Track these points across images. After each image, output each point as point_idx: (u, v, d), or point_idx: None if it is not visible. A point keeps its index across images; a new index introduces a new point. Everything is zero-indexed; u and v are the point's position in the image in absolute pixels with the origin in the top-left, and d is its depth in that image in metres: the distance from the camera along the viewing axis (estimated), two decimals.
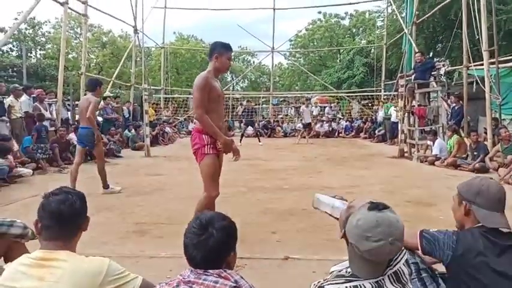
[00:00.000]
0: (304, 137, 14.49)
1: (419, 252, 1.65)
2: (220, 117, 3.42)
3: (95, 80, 6.16)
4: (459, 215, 1.70)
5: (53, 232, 1.50)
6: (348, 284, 1.34)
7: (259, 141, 13.71)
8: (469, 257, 1.51)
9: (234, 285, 1.32)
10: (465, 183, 1.71)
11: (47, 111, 9.15)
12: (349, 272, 1.40)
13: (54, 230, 1.50)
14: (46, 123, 8.82)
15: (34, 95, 9.18)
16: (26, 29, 26.70)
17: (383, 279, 1.35)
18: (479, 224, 1.59)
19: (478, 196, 1.61)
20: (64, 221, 1.50)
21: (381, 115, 14.86)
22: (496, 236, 1.54)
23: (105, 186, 5.73)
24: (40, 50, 28.40)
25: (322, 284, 1.37)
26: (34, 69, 25.29)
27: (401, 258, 1.43)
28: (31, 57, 27.46)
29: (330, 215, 1.90)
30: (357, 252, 1.35)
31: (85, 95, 6.71)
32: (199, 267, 1.35)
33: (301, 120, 15.35)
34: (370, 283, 1.33)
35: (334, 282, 1.36)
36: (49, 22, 28.09)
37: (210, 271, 1.33)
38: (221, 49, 3.29)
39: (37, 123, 8.34)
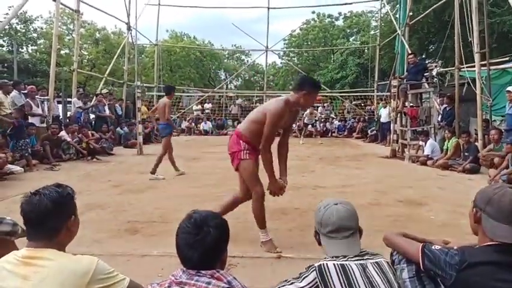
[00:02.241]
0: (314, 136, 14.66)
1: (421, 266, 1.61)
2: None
3: (170, 86, 7.67)
4: (471, 222, 1.61)
5: (30, 233, 1.50)
6: (334, 262, 1.43)
7: None
8: (476, 277, 1.42)
9: (227, 286, 1.30)
10: (481, 190, 1.59)
11: (38, 107, 9.02)
12: (328, 257, 1.51)
13: (30, 230, 1.50)
14: (36, 119, 8.69)
15: (25, 91, 9.05)
16: (17, 23, 26.33)
17: (366, 264, 1.46)
18: (490, 243, 1.49)
19: (488, 204, 1.50)
20: (34, 223, 1.48)
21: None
22: (507, 252, 1.44)
23: (154, 171, 6.68)
24: (32, 45, 28.03)
25: (312, 264, 1.45)
26: (25, 65, 24.97)
27: (381, 257, 1.55)
28: (22, 52, 27.08)
29: None
30: (323, 235, 1.58)
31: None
32: (194, 268, 1.33)
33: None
34: (355, 265, 1.43)
35: (322, 260, 1.46)
36: (41, 17, 27.79)
37: (203, 272, 1.31)
38: (312, 88, 3.24)
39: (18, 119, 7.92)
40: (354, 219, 1.58)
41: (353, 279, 1.38)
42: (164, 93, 7.35)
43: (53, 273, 1.37)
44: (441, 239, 1.96)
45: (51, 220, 1.47)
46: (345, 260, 1.44)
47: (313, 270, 1.41)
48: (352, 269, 1.41)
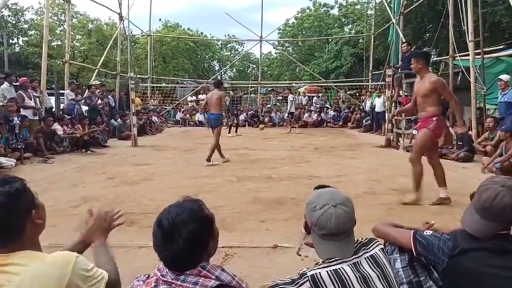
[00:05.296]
0: (294, 127, 14.78)
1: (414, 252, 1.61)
2: None
3: (220, 80, 8.74)
4: None
5: None
6: (328, 269, 1.36)
7: (236, 132, 13.74)
8: (467, 263, 1.46)
9: (216, 283, 1.24)
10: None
11: (31, 99, 8.90)
12: (325, 260, 1.42)
13: None
14: (28, 112, 8.58)
15: (17, 83, 8.91)
16: (8, 16, 25.86)
17: (360, 262, 1.40)
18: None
19: (476, 193, 1.55)
20: None
21: (368, 105, 15.00)
22: (499, 239, 1.47)
23: (209, 159, 7.18)
24: (22, 36, 27.57)
25: (304, 271, 1.39)
26: (16, 57, 24.60)
27: (376, 245, 1.50)
28: (14, 44, 26.62)
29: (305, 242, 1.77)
30: (317, 234, 1.45)
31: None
32: (175, 270, 1.27)
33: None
34: (349, 266, 1.37)
35: (315, 268, 1.39)
36: (32, 8, 27.31)
37: (188, 272, 1.25)
38: None
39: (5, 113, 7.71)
40: (352, 219, 1.45)
41: (348, 284, 1.34)
42: (214, 87, 8.01)
43: (27, 280, 1.25)
44: (424, 222, 1.99)
45: (7, 223, 1.31)
46: (339, 263, 1.38)
47: (306, 281, 1.34)
48: (347, 273, 1.36)
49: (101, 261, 1.55)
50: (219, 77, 27.83)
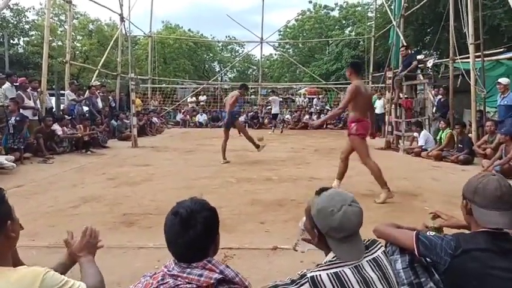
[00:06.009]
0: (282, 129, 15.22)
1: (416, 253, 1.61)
2: None
3: (244, 84, 8.58)
4: (464, 214, 1.64)
5: None
6: (328, 271, 1.36)
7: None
8: (471, 263, 1.46)
9: (220, 276, 1.29)
10: (468, 181, 1.62)
11: (30, 99, 8.91)
12: (326, 262, 1.42)
13: None
14: (28, 112, 8.58)
15: (17, 83, 8.92)
16: (10, 16, 25.92)
17: (362, 264, 1.40)
18: (483, 229, 1.52)
19: (476, 194, 1.54)
20: None
21: None
22: (500, 239, 1.48)
23: (257, 147, 7.82)
24: (23, 37, 27.61)
25: (304, 272, 1.39)
26: (17, 57, 24.63)
27: (379, 247, 1.51)
28: (15, 44, 26.64)
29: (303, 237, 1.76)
30: (334, 239, 1.43)
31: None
32: (185, 261, 1.33)
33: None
34: (350, 269, 1.37)
35: (315, 269, 1.39)
36: (33, 9, 27.36)
37: (194, 264, 1.31)
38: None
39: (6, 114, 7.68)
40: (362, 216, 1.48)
41: (348, 287, 1.34)
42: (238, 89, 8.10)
43: None
44: (423, 223, 1.99)
45: None
46: (340, 266, 1.38)
47: (305, 282, 1.35)
48: (347, 276, 1.36)
49: (86, 273, 1.53)
50: (219, 78, 27.86)
